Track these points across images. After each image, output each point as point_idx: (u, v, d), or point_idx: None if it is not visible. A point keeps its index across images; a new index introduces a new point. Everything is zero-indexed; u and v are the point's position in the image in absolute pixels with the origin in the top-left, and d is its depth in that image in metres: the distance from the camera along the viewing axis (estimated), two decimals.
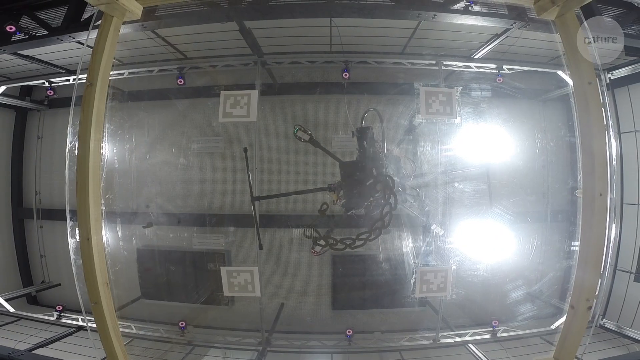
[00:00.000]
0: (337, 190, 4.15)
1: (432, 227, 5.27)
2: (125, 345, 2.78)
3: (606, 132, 2.54)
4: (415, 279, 5.22)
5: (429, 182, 6.06)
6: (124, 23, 2.86)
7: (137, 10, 2.84)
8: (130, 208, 6.40)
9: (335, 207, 4.71)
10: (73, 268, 3.02)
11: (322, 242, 4.10)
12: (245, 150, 5.04)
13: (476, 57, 5.99)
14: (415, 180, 5.70)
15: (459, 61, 6.07)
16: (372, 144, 4.11)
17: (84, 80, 2.76)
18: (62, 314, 6.46)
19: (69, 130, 3.10)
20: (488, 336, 6.04)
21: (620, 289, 6.11)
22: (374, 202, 3.97)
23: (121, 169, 6.30)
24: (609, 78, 5.75)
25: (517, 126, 6.36)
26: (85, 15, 4.69)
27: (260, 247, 5.16)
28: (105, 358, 2.77)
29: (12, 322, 6.23)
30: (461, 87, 5.67)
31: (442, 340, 5.98)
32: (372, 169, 3.97)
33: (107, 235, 5.71)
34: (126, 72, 6.18)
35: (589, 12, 4.16)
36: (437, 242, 5.85)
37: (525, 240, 6.20)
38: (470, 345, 5.84)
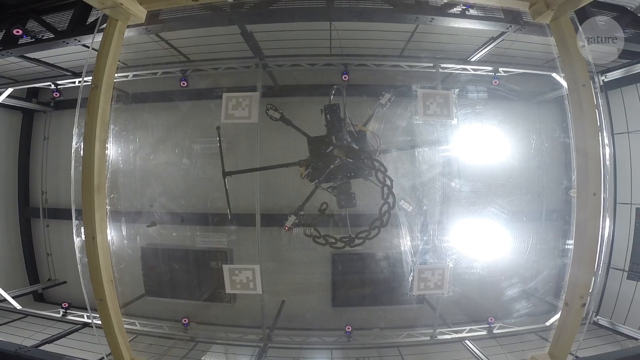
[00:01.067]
0: (305, 165, 4.22)
1: (401, 203, 5.24)
2: (129, 341, 2.78)
3: (599, 133, 2.54)
4: (413, 276, 5.22)
5: (426, 182, 6.07)
6: (128, 26, 2.86)
7: (141, 14, 2.84)
8: (134, 207, 6.39)
9: (333, 207, 4.68)
10: (79, 266, 3.02)
11: (321, 240, 4.11)
12: (218, 128, 5.19)
13: (473, 59, 5.98)
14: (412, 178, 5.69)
15: (456, 64, 6.07)
16: (338, 119, 4.17)
17: (90, 83, 2.76)
18: (67, 311, 6.46)
19: (75, 131, 3.11)
20: (484, 333, 6.04)
21: (613, 286, 6.12)
22: (338, 171, 4.03)
23: (126, 169, 6.30)
24: (603, 80, 5.76)
25: (512, 127, 6.35)
26: (91, 19, 4.69)
27: (232, 221, 5.41)
28: (110, 354, 2.77)
29: (19, 319, 6.23)
30: (458, 89, 5.67)
31: (440, 337, 5.98)
32: (332, 138, 4.02)
33: (112, 234, 5.68)
34: (130, 74, 6.18)
35: (582, 16, 4.16)
36: (435, 241, 5.85)
37: (520, 238, 6.21)
38: (467, 342, 5.84)
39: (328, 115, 4.22)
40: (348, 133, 4.31)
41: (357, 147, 4.17)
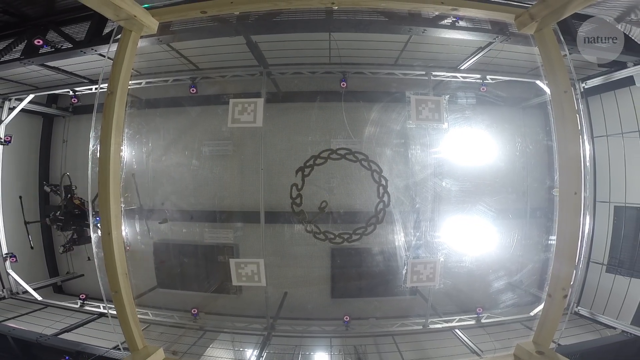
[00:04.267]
0: None
1: None
2: (142, 330, 2.77)
3: (580, 137, 2.53)
4: (406, 269, 5.22)
5: (419, 182, 6.07)
6: (141, 37, 2.85)
7: (154, 25, 2.83)
8: (147, 206, 6.40)
9: (332, 205, 4.64)
10: (95, 260, 3.01)
11: (321, 236, 4.11)
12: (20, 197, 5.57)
13: (462, 68, 5.98)
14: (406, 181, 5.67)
15: (447, 72, 6.06)
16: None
17: (105, 89, 2.75)
18: (85, 302, 6.46)
19: (92, 134, 3.10)
20: (473, 322, 6.04)
21: (593, 279, 6.12)
22: None
23: (139, 170, 6.30)
24: (583, 87, 5.76)
25: (499, 131, 6.35)
26: (106, 30, 4.69)
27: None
28: (124, 342, 2.76)
29: (39, 309, 6.23)
30: (448, 96, 5.68)
31: (431, 326, 5.98)
32: None
33: (126, 230, 5.70)
34: (143, 81, 6.18)
35: (565, 27, 4.16)
36: (427, 236, 5.85)
37: (506, 234, 6.20)
38: (457, 331, 5.84)
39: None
40: None
41: None
